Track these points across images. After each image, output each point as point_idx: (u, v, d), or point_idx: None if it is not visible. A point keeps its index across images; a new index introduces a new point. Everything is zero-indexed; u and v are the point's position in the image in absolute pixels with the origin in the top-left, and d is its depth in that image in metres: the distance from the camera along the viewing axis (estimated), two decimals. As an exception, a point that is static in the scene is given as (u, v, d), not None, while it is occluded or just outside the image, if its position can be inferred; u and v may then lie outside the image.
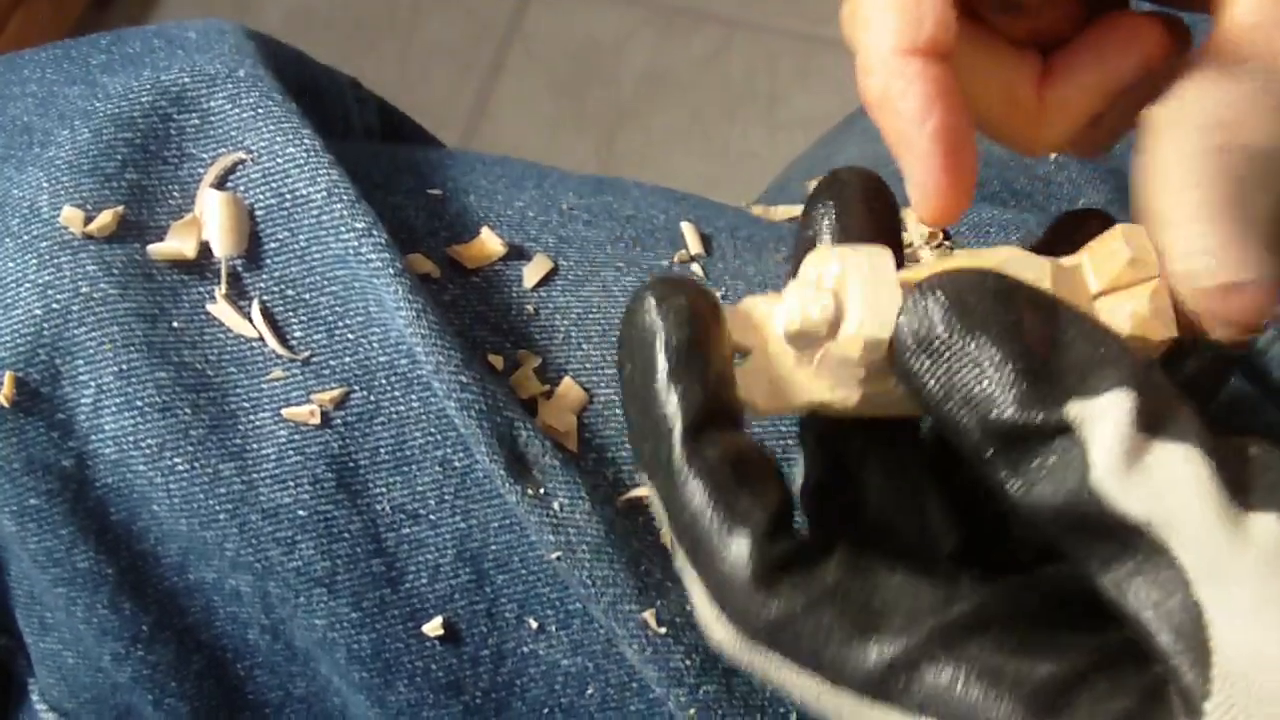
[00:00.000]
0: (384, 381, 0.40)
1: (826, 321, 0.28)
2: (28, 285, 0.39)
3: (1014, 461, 0.27)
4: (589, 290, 0.42)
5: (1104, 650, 0.27)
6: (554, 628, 0.40)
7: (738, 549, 0.27)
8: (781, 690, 0.28)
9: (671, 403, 0.28)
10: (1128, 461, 0.26)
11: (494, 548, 0.40)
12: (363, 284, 0.39)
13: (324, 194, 0.40)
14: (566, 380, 0.41)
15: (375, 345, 0.40)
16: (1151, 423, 0.26)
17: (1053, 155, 0.52)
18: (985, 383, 0.27)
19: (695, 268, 0.44)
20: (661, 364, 0.28)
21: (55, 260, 0.39)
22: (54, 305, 0.39)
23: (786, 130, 1.37)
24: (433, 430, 0.39)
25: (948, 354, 0.27)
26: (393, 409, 0.39)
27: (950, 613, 0.27)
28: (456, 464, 0.39)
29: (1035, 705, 0.26)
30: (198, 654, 0.41)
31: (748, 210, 0.50)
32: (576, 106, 1.42)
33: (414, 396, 0.39)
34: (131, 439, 0.39)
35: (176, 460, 0.39)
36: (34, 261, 0.39)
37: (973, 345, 0.27)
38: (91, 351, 0.39)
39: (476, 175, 0.45)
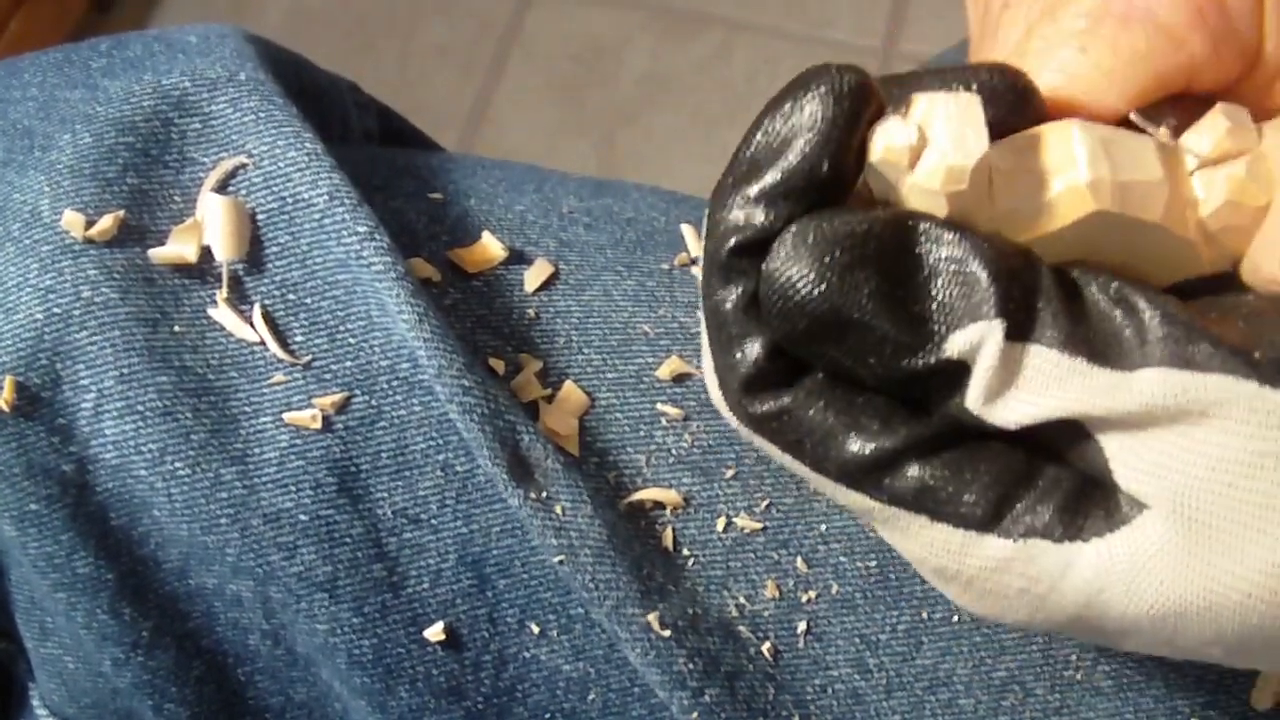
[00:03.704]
0: (385, 386, 0.39)
1: (909, 148, 0.29)
2: (29, 290, 0.39)
3: (925, 391, 0.29)
4: (590, 294, 0.42)
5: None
6: (555, 633, 0.40)
7: (743, 354, 0.30)
8: (778, 462, 0.30)
9: (758, 198, 0.29)
10: (999, 388, 0.28)
11: (495, 552, 0.40)
12: (364, 288, 0.39)
13: (325, 198, 0.40)
14: (568, 384, 0.41)
15: (377, 349, 0.40)
16: (1020, 333, 0.28)
17: None
18: (866, 346, 0.28)
19: (695, 270, 0.44)
20: (775, 169, 0.29)
21: (56, 265, 0.39)
22: (55, 310, 0.39)
23: (787, 132, 1.37)
24: (434, 435, 0.39)
25: (821, 330, 0.28)
26: (394, 413, 0.39)
27: (923, 425, 0.29)
28: (458, 468, 0.39)
29: (999, 487, 0.28)
30: (198, 659, 0.41)
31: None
32: (577, 108, 1.42)
33: (415, 401, 0.39)
34: (132, 444, 0.39)
35: (178, 465, 0.39)
36: (35, 266, 0.39)
37: (847, 310, 0.28)
38: (92, 356, 0.39)
39: (477, 179, 0.45)
